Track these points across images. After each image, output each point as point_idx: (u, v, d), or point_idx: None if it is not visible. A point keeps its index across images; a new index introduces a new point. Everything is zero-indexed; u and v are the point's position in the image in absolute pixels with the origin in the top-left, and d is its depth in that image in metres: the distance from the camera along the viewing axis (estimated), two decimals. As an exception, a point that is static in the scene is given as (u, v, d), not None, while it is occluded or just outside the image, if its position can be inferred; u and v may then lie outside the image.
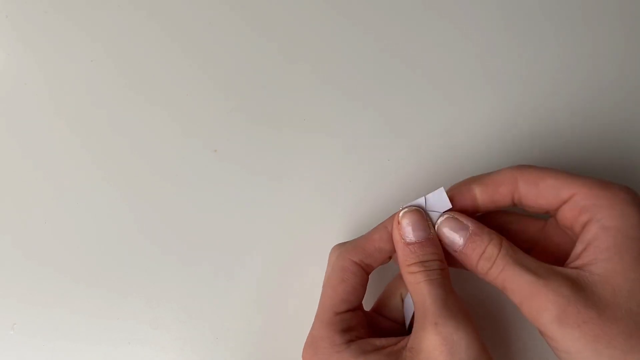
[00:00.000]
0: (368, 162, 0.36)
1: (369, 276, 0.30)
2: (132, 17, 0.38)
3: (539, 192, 0.28)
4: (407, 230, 0.28)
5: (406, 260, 0.28)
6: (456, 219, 0.28)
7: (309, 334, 0.29)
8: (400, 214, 0.29)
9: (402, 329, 0.31)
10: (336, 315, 0.28)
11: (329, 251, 0.30)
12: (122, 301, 0.34)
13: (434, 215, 0.29)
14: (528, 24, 0.37)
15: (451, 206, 0.29)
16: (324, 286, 0.30)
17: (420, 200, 0.29)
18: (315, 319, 0.29)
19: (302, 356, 0.29)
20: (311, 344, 0.28)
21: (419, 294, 0.27)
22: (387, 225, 0.30)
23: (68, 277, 0.35)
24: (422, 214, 0.29)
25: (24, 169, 0.36)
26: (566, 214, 0.27)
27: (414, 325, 0.27)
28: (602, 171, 0.35)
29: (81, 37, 0.37)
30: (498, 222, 0.31)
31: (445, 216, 0.28)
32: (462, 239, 0.28)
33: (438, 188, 0.29)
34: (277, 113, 0.37)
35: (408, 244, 0.28)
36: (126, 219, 0.35)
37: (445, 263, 0.28)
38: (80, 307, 0.34)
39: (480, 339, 0.26)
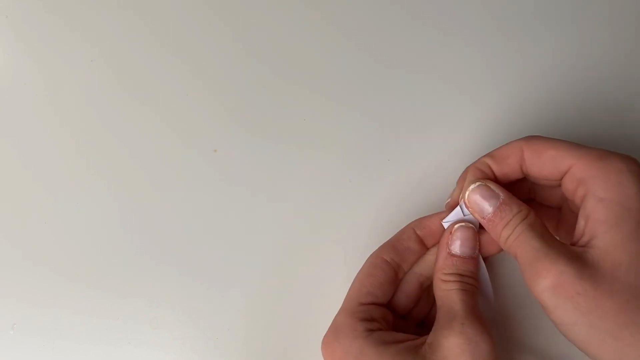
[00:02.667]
0: (368, 162, 0.36)
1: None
2: (132, 18, 0.38)
3: (542, 164, 0.27)
4: (456, 243, 0.29)
5: (444, 268, 0.29)
6: (488, 187, 0.28)
7: (333, 321, 0.29)
8: (455, 226, 0.29)
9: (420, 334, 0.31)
10: (360, 305, 0.29)
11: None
12: (122, 301, 0.34)
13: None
14: (520, 21, 0.37)
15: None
16: (353, 281, 0.31)
17: (458, 212, 0.30)
18: (340, 309, 0.30)
19: (323, 341, 0.29)
20: (333, 330, 0.29)
21: (447, 298, 0.28)
22: (414, 227, 0.31)
23: (68, 277, 0.35)
24: (474, 233, 0.29)
25: (24, 169, 0.36)
26: (567, 186, 0.27)
27: (435, 323, 0.28)
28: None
29: (81, 38, 0.37)
30: (526, 189, 0.31)
31: (478, 183, 0.28)
32: (491, 207, 0.28)
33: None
34: (278, 113, 0.37)
35: (452, 255, 0.29)
36: (126, 218, 0.35)
37: (479, 282, 0.29)
38: (80, 307, 0.34)
39: (497, 350, 0.26)
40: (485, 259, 0.30)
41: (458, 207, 0.30)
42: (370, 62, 0.37)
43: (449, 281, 0.28)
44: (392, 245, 0.31)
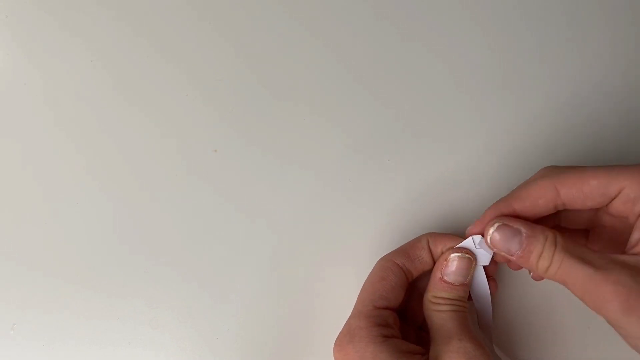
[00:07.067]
0: (368, 162, 0.36)
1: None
2: (132, 18, 0.38)
3: (585, 196, 0.27)
4: (449, 271, 0.30)
5: (434, 291, 0.30)
6: (507, 225, 0.28)
7: (346, 323, 0.29)
8: (452, 255, 0.30)
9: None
10: (375, 309, 0.29)
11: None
12: (122, 301, 0.34)
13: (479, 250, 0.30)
14: (515, 31, 0.37)
15: (491, 252, 0.30)
16: (364, 283, 0.31)
17: (469, 242, 0.30)
18: (353, 311, 0.30)
19: (336, 344, 0.29)
20: (347, 333, 0.29)
21: (440, 317, 0.29)
22: (428, 238, 0.31)
23: (68, 278, 0.35)
24: (469, 264, 0.30)
25: (23, 169, 0.36)
26: (618, 207, 0.27)
27: (432, 341, 0.28)
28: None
29: (81, 38, 0.37)
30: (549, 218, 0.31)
31: (496, 225, 0.28)
32: (518, 244, 0.28)
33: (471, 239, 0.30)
34: (278, 112, 0.37)
35: (444, 280, 0.29)
36: (126, 219, 0.35)
37: (467, 304, 0.30)
38: (80, 307, 0.34)
39: None
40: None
41: (470, 238, 0.30)
42: (372, 62, 0.37)
43: (439, 303, 0.29)
44: (405, 251, 0.31)
